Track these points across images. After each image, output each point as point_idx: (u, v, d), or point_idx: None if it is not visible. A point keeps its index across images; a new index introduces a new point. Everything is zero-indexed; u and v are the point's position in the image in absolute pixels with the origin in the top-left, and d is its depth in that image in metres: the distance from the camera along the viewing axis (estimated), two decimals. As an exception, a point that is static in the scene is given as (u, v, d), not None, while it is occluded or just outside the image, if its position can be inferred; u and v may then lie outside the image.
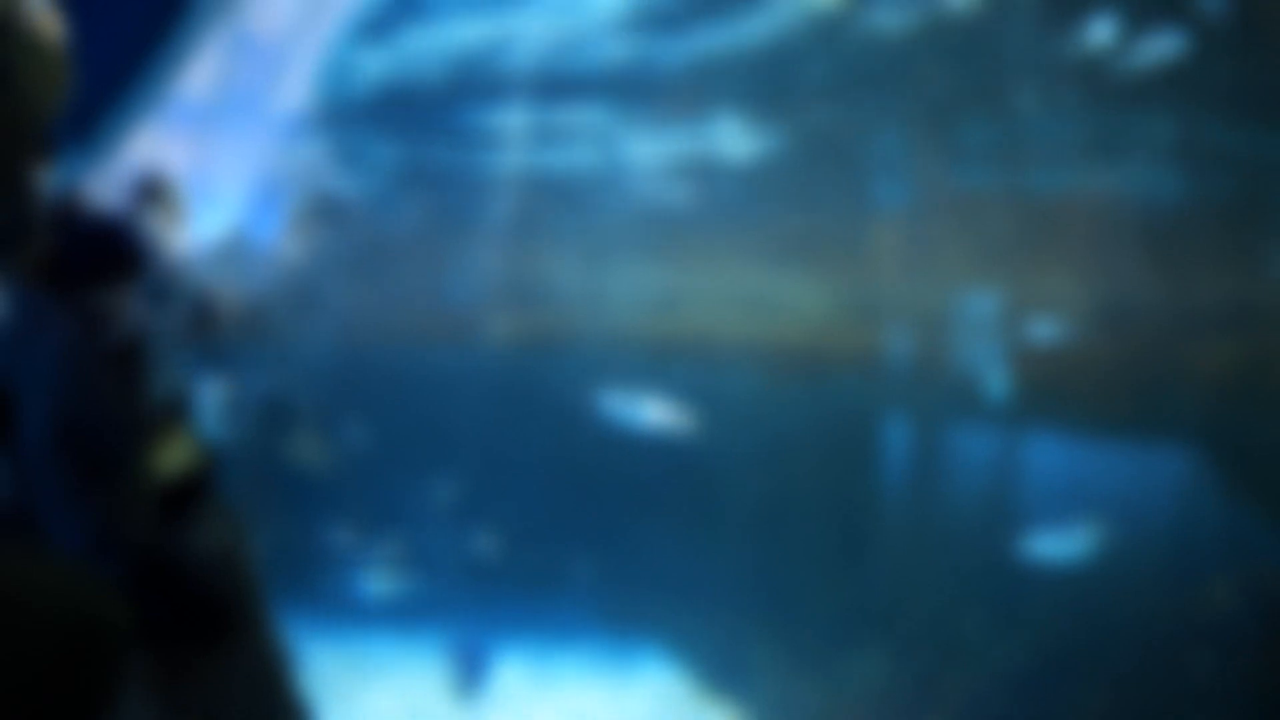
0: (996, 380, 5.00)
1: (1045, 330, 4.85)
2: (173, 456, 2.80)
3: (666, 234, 6.18)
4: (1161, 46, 4.32)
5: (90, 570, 1.63)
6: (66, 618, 1.54)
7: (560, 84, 6.03)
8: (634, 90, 6.03)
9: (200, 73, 5.62)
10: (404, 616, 5.76)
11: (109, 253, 2.91)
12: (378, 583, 5.92)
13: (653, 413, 5.67)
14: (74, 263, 2.86)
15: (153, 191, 5.24)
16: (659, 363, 5.92)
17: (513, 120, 6.25)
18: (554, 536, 5.97)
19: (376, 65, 6.19)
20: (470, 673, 5.33)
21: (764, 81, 5.67)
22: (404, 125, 6.50)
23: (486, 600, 5.75)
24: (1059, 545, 4.42)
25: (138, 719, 2.32)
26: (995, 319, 5.03)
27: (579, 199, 6.44)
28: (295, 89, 5.98)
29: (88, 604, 1.58)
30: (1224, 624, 4.00)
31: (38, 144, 1.79)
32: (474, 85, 6.18)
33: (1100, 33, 4.52)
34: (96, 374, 2.65)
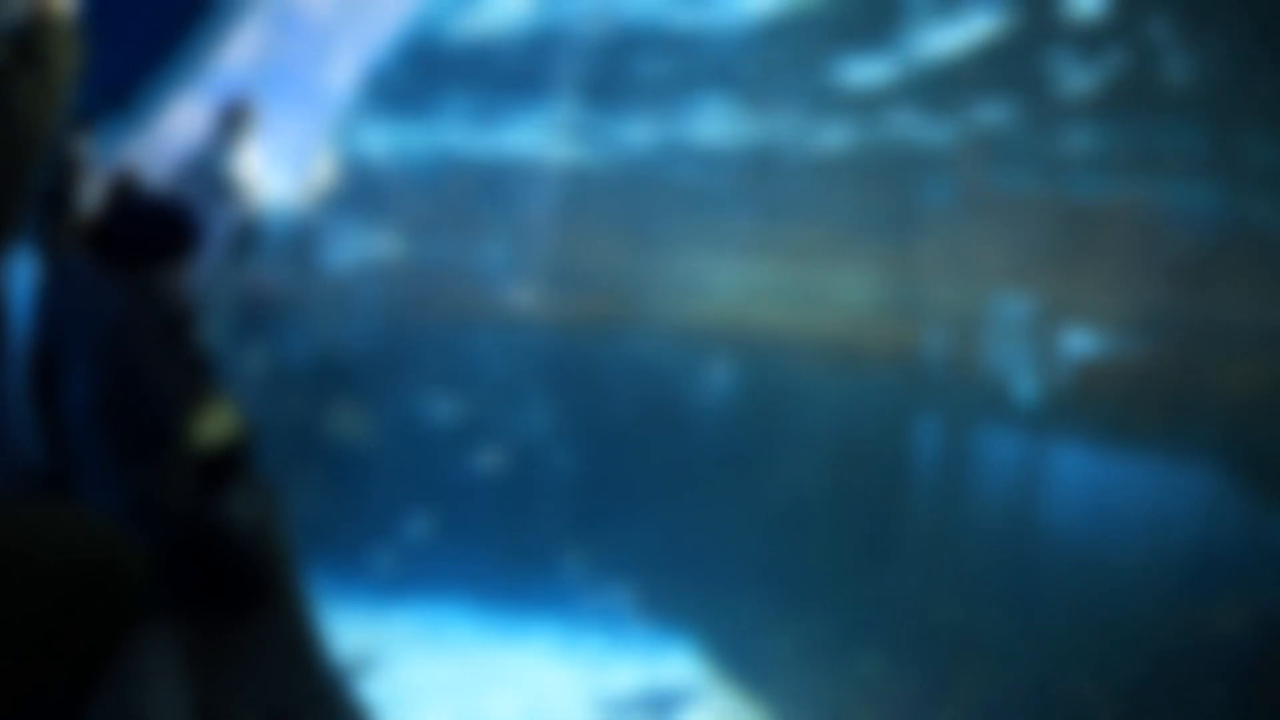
0: (1027, 385, 5.00)
1: (1077, 338, 4.85)
2: (213, 429, 2.84)
3: (710, 223, 6.20)
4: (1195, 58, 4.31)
5: (111, 521, 1.65)
6: (78, 563, 1.57)
7: (616, 74, 6.06)
8: (690, 82, 6.06)
9: (242, 47, 5.65)
10: (434, 591, 5.81)
11: (167, 232, 2.95)
12: (487, 461, 5.95)
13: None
14: (131, 240, 2.90)
15: (235, 117, 5.28)
16: (699, 350, 5.94)
17: (561, 105, 6.28)
18: (581, 516, 6.01)
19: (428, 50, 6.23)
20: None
21: (818, 79, 5.68)
22: (450, 109, 6.54)
23: (516, 577, 5.79)
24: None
25: (173, 683, 2.37)
26: (1028, 324, 5.03)
27: (624, 185, 6.46)
28: (342, 70, 6.01)
29: (101, 549, 1.60)
30: (1235, 643, 4.01)
31: (57, 124, 1.82)
32: (523, 72, 6.22)
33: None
34: (146, 350, 2.69)
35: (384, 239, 6.52)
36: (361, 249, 6.47)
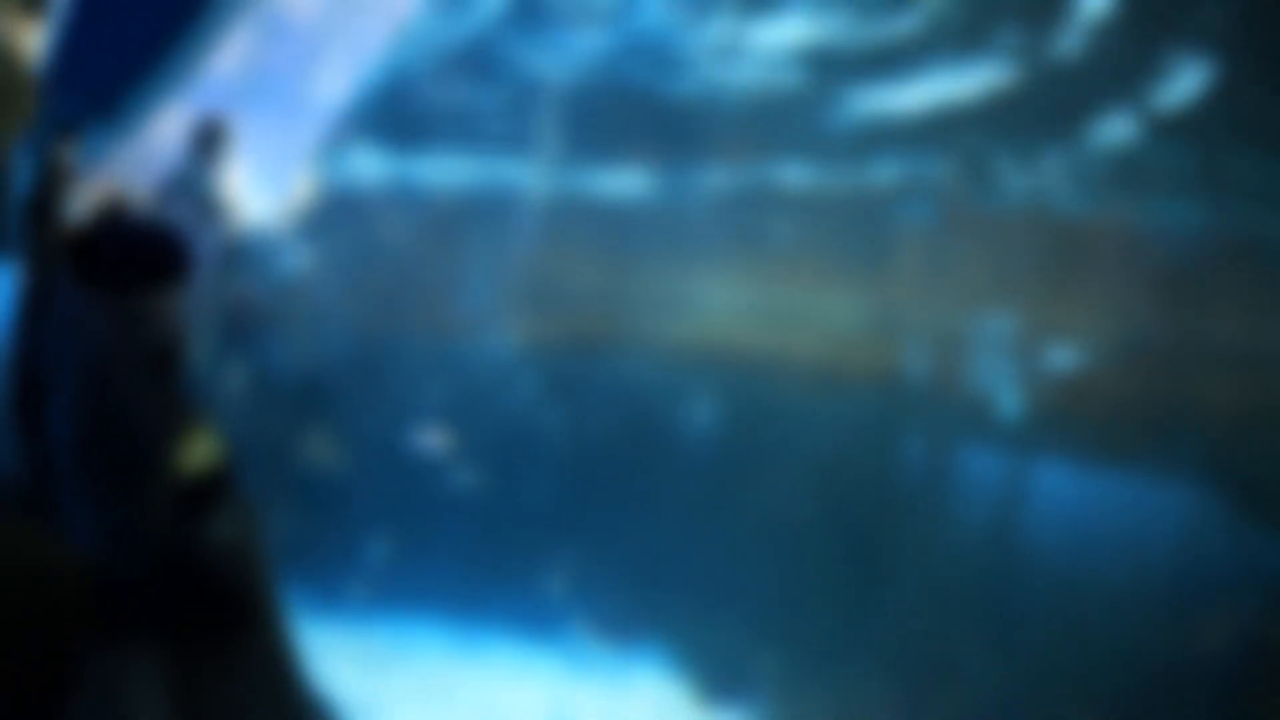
0: (1011, 404, 5.01)
1: (1061, 356, 4.85)
2: (196, 456, 2.81)
3: (689, 243, 6.19)
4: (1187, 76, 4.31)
5: (48, 527, 1.58)
6: (8, 570, 1.50)
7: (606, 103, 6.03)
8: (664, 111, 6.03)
9: (229, 53, 5.61)
10: (408, 612, 5.78)
11: (158, 257, 2.91)
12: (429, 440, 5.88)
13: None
14: (120, 264, 2.86)
15: (209, 138, 5.21)
16: (680, 370, 5.93)
17: (544, 128, 6.26)
18: (559, 533, 5.98)
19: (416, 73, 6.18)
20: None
21: (808, 120, 5.66)
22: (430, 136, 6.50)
23: (488, 595, 5.77)
24: None
25: (154, 708, 2.34)
26: (1012, 342, 5.04)
27: (608, 211, 6.45)
28: (330, 81, 5.98)
29: (34, 557, 1.54)
30: (1219, 661, 4.02)
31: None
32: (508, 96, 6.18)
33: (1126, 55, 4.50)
34: (130, 380, 2.66)
35: (361, 256, 6.49)
36: (338, 267, 6.44)
